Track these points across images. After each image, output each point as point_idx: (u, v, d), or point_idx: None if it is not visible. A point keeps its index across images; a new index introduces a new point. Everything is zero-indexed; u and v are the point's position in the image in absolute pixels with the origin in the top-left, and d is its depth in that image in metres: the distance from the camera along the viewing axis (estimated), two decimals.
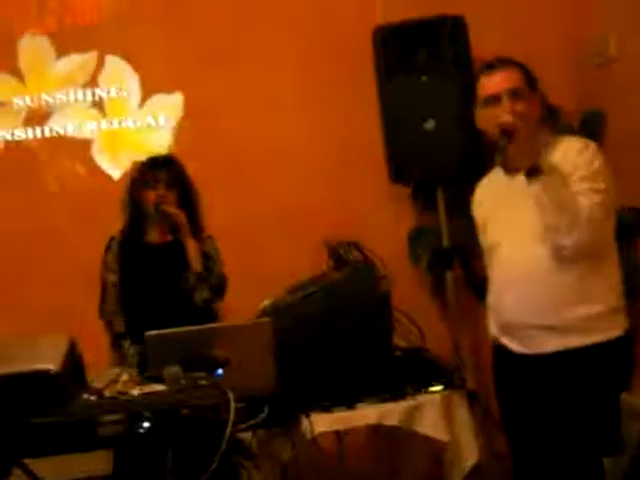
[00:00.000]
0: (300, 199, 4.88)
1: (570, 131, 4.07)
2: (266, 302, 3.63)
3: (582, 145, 3.19)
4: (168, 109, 4.96)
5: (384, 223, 4.83)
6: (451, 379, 3.80)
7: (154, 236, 4.22)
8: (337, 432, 3.88)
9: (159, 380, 2.86)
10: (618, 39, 4.47)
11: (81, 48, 4.93)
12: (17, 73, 4.93)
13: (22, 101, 4.93)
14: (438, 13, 4.60)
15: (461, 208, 3.74)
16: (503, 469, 4.19)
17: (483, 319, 3.53)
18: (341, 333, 3.60)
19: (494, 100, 3.19)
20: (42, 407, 2.65)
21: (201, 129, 4.91)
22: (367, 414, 3.61)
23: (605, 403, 2.99)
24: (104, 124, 4.97)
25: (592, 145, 3.19)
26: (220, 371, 2.89)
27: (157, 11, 4.94)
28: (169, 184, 4.13)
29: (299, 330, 3.53)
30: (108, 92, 4.96)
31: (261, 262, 4.76)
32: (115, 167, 4.93)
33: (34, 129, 4.94)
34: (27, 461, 2.95)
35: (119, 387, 2.89)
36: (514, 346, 3.26)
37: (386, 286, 3.89)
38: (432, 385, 3.72)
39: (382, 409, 3.61)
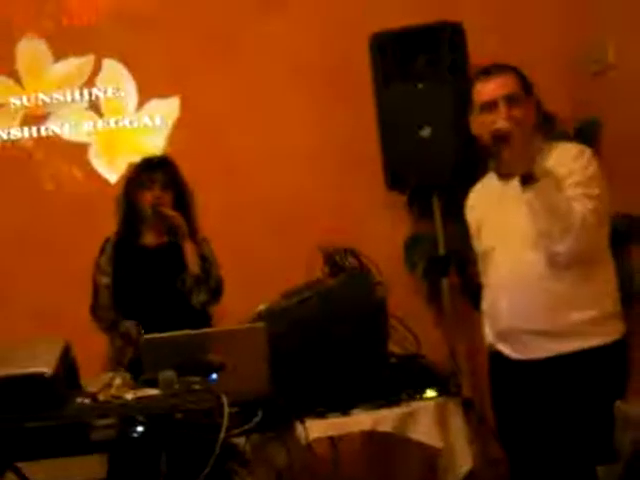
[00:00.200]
0: (296, 204, 4.88)
1: (566, 138, 4.08)
2: (261, 307, 3.63)
3: (577, 151, 3.20)
4: (165, 112, 4.96)
5: (380, 230, 4.83)
6: (446, 386, 3.80)
7: (149, 238, 4.21)
8: (331, 438, 3.88)
9: (153, 384, 2.85)
10: (616, 46, 4.47)
11: (78, 51, 4.93)
12: (15, 76, 4.94)
13: (19, 101, 4.92)
14: (436, 20, 4.60)
15: (457, 215, 3.74)
16: (498, 476, 4.19)
17: (479, 326, 3.53)
18: (336, 339, 3.60)
19: (490, 106, 3.19)
20: (36, 410, 2.63)
21: (197, 132, 4.92)
22: (361, 420, 3.62)
23: (599, 410, 2.99)
24: (100, 124, 4.96)
25: (587, 151, 3.20)
26: (214, 376, 2.88)
27: (155, 15, 4.94)
28: (165, 185, 4.13)
29: (294, 335, 3.53)
30: (105, 92, 4.96)
31: (256, 266, 4.76)
32: (112, 171, 4.93)
33: (30, 129, 4.93)
34: (20, 465, 2.95)
35: (113, 391, 2.88)
36: (509, 352, 3.26)
37: (382, 293, 3.89)
38: (427, 392, 3.72)
39: (376, 415, 3.61)
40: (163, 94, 4.96)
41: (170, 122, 4.96)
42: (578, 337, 3.11)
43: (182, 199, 4.18)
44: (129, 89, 4.96)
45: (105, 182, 4.94)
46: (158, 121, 4.97)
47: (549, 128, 4.35)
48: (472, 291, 4.47)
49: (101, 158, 4.97)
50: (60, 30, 4.94)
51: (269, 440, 3.47)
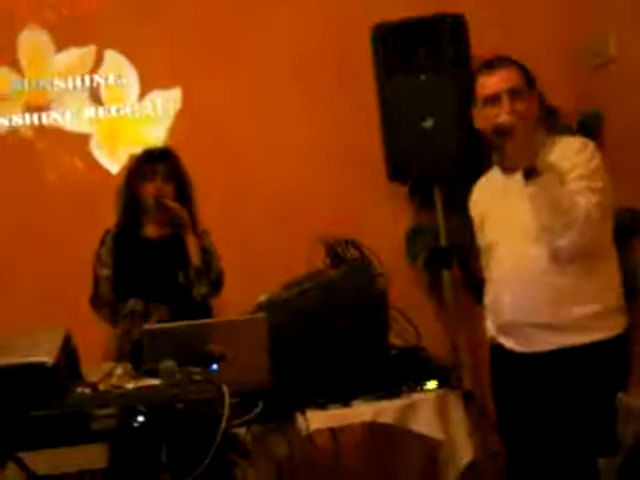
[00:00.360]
0: (297, 195, 4.87)
1: (569, 131, 4.08)
2: (262, 297, 3.63)
3: (580, 144, 3.20)
4: (167, 103, 4.96)
5: (381, 221, 4.82)
6: (447, 378, 3.81)
7: (151, 230, 4.20)
8: (332, 429, 3.88)
9: (154, 374, 2.86)
10: (617, 39, 4.46)
11: (80, 42, 4.92)
12: (16, 66, 4.92)
13: (20, 87, 4.92)
14: (437, 11, 4.59)
15: (458, 207, 3.74)
16: (498, 468, 4.19)
17: (480, 319, 3.53)
18: (337, 330, 3.60)
19: (493, 100, 3.18)
20: (37, 400, 2.64)
21: (198, 124, 4.90)
22: (362, 412, 3.62)
23: (601, 403, 2.99)
24: (102, 112, 4.96)
25: (591, 144, 3.20)
26: (215, 366, 2.88)
27: (156, 5, 4.92)
28: (167, 177, 4.12)
29: (295, 326, 3.53)
30: (106, 79, 4.95)
31: (257, 258, 4.76)
32: (113, 162, 4.92)
33: (32, 116, 4.92)
34: (22, 454, 2.95)
35: (114, 381, 2.89)
36: (511, 345, 3.26)
37: (383, 284, 3.89)
38: (427, 384, 3.72)
39: (377, 407, 3.61)
40: (165, 85, 4.95)
41: (172, 111, 4.95)
42: (581, 331, 3.12)
43: (183, 191, 4.18)
44: (131, 80, 4.95)
45: (106, 173, 4.93)
46: (160, 109, 4.95)
47: (552, 122, 4.35)
48: (473, 284, 4.47)
49: (102, 149, 4.96)
50: (62, 21, 4.92)
51: (270, 431, 3.48)
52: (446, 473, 3.73)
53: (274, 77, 4.95)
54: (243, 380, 2.81)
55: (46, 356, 2.65)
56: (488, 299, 3.36)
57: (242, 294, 3.79)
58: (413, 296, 4.74)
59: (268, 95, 4.94)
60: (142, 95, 4.96)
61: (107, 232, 4.23)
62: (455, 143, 4.46)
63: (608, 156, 3.35)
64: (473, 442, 3.75)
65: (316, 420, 3.45)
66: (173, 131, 4.94)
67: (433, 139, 4.51)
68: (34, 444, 2.72)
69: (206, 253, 4.13)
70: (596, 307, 3.13)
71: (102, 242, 4.21)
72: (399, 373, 3.71)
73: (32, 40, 4.93)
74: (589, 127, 4.51)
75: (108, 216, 4.24)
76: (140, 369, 2.97)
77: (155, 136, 4.91)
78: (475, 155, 4.27)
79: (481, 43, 4.50)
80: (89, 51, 4.93)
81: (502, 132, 3.08)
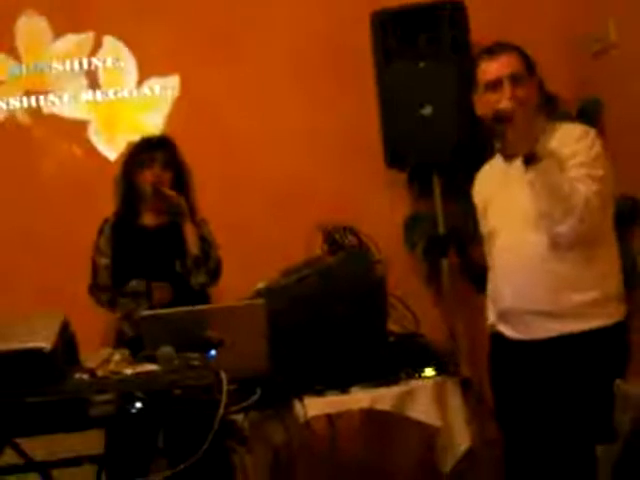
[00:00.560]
0: (295, 182, 4.86)
1: (569, 118, 4.06)
2: (260, 284, 3.62)
3: (581, 131, 3.19)
4: (165, 90, 4.94)
5: (380, 208, 4.82)
6: (445, 365, 3.81)
7: (149, 219, 4.20)
8: (330, 416, 3.89)
9: (152, 360, 2.86)
10: (617, 25, 4.44)
11: (78, 28, 4.91)
12: (14, 53, 4.91)
13: (18, 72, 4.90)
14: None
15: (457, 194, 3.74)
16: (496, 456, 4.20)
17: (478, 306, 3.53)
18: (335, 317, 3.60)
19: (495, 85, 3.18)
20: (34, 386, 2.64)
21: (197, 111, 4.89)
22: (360, 398, 3.62)
23: (599, 390, 2.99)
24: (100, 95, 4.94)
25: (592, 132, 3.19)
26: (213, 352, 2.88)
27: None
28: (165, 164, 4.12)
29: (293, 313, 3.53)
30: (104, 62, 4.93)
31: (255, 246, 4.75)
32: (111, 148, 4.91)
33: (29, 99, 4.90)
34: (19, 440, 2.95)
35: (112, 367, 2.89)
36: (510, 332, 3.26)
37: (381, 271, 3.89)
38: (425, 371, 3.72)
39: (375, 394, 3.61)
40: (163, 72, 4.93)
41: (170, 99, 4.93)
42: (580, 318, 3.12)
43: (181, 179, 4.18)
44: (129, 66, 4.93)
45: (104, 160, 4.92)
46: (158, 96, 4.94)
47: (552, 108, 4.34)
48: (472, 271, 4.47)
49: (100, 135, 4.94)
50: (60, 7, 4.91)
51: (267, 418, 3.49)
52: (444, 460, 3.73)
53: (272, 64, 4.94)
54: (241, 366, 2.81)
55: (44, 342, 2.65)
56: (490, 287, 3.36)
57: (240, 281, 3.79)
58: (411, 283, 4.74)
59: (266, 82, 4.93)
60: (140, 82, 4.94)
61: (105, 221, 4.23)
62: (454, 130, 4.45)
63: (608, 143, 3.34)
64: (471, 429, 3.76)
65: (314, 407, 3.45)
66: (171, 118, 4.93)
67: (432, 126, 4.50)
68: (31, 430, 2.72)
69: (204, 242, 4.13)
70: (595, 294, 3.13)
71: (100, 231, 4.22)
72: (397, 360, 3.71)
73: (30, 26, 4.92)
74: (589, 114, 4.50)
75: (106, 204, 4.24)
76: (138, 355, 2.97)
77: (153, 123, 4.90)
78: (474, 142, 4.27)
79: (481, 30, 4.48)
80: (87, 37, 4.91)
81: (502, 118, 3.07)
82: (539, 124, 3.19)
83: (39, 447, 2.95)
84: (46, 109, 4.91)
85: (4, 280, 4.72)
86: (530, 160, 3.02)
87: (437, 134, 4.49)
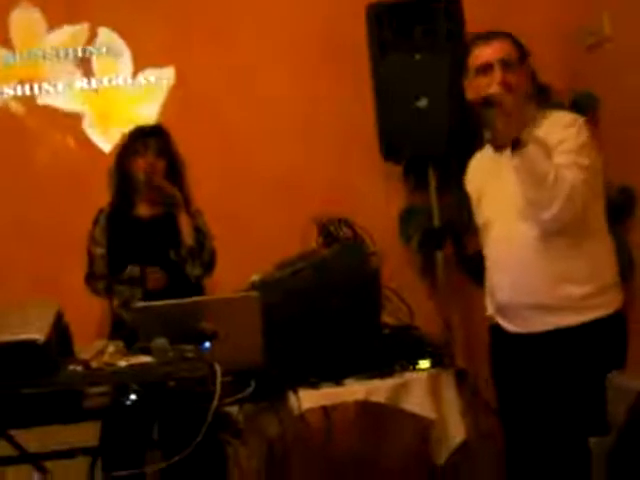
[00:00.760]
0: (291, 175, 4.86)
1: (560, 108, 4.05)
2: (255, 277, 3.62)
3: (570, 119, 3.19)
4: (160, 82, 4.93)
5: (375, 201, 4.82)
6: (439, 357, 3.80)
7: (143, 209, 4.20)
8: (324, 408, 3.88)
9: (146, 352, 2.85)
10: (611, 19, 4.45)
11: (73, 19, 4.89)
12: (9, 44, 4.89)
13: (12, 59, 4.88)
14: None
15: (453, 187, 3.74)
16: (491, 448, 4.21)
17: (473, 298, 3.54)
18: (330, 309, 3.59)
19: (485, 69, 3.18)
20: (28, 377, 2.63)
21: (192, 103, 4.88)
22: (354, 391, 3.61)
23: (596, 382, 2.99)
24: (94, 83, 4.92)
25: (580, 120, 3.18)
26: (207, 344, 2.88)
27: None
28: (158, 152, 4.12)
29: (288, 306, 3.52)
30: (99, 49, 4.91)
31: (250, 237, 4.75)
32: (106, 140, 4.90)
33: (23, 87, 4.89)
34: (13, 432, 2.94)
35: (106, 358, 2.88)
36: (509, 326, 3.26)
37: (376, 263, 3.88)
38: (420, 363, 3.72)
39: (369, 386, 3.60)
40: (158, 64, 4.92)
41: (165, 90, 4.92)
42: (578, 311, 3.12)
43: (175, 168, 4.18)
44: (124, 58, 4.92)
45: (99, 152, 4.91)
46: (153, 82, 4.92)
47: (544, 99, 4.33)
48: (468, 263, 4.48)
49: (95, 128, 4.93)
50: None
51: (262, 410, 3.48)
52: (438, 452, 3.73)
53: (268, 56, 4.93)
54: (236, 358, 2.80)
55: (37, 333, 2.64)
56: (487, 278, 3.36)
57: (235, 274, 3.78)
58: (406, 276, 4.74)
59: (262, 74, 4.92)
60: (135, 73, 4.93)
61: (100, 211, 4.23)
62: (449, 123, 4.44)
63: (602, 136, 3.34)
64: (465, 422, 3.75)
65: (308, 399, 3.44)
66: (166, 110, 4.91)
67: (427, 119, 4.50)
68: (25, 422, 2.72)
69: (199, 233, 4.13)
70: (591, 286, 3.13)
71: (95, 221, 4.22)
72: (392, 352, 3.70)
73: (25, 18, 4.90)
74: (582, 107, 4.49)
75: (101, 195, 4.24)
76: (132, 347, 2.97)
77: (148, 115, 4.88)
78: (470, 135, 4.26)
79: (476, 22, 4.47)
80: (82, 29, 4.90)
81: (491, 103, 3.06)
82: (528, 112, 3.19)
83: (33, 439, 2.95)
84: (40, 99, 4.90)
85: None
86: (516, 146, 3.02)
87: (432, 127, 4.48)
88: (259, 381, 2.85)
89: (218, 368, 2.66)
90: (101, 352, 2.93)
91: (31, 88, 4.89)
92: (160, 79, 4.92)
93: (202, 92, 4.89)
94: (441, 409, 3.68)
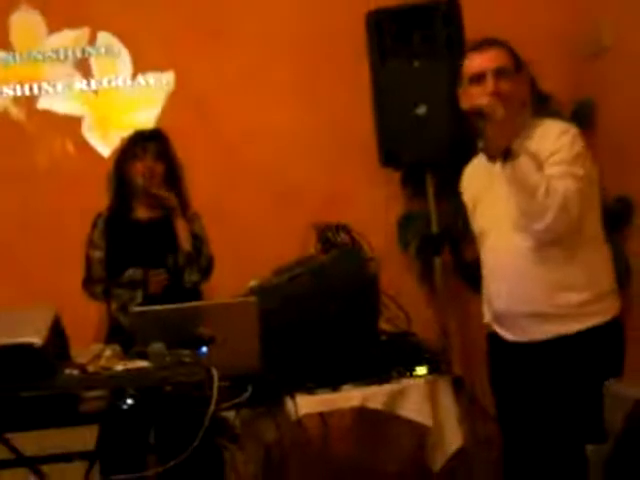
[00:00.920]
0: (289, 180, 4.86)
1: (559, 117, 4.05)
2: (253, 282, 3.62)
3: (562, 128, 3.17)
4: (159, 86, 4.93)
5: (374, 207, 4.82)
6: (436, 364, 3.80)
7: (142, 213, 4.21)
8: (321, 414, 3.88)
9: (143, 356, 2.85)
10: (612, 28, 4.45)
11: (73, 23, 4.89)
12: (9, 48, 4.90)
13: (12, 60, 4.89)
14: None
15: (451, 193, 3.73)
16: (488, 455, 4.21)
17: (470, 305, 3.54)
18: (327, 315, 3.60)
19: (478, 78, 3.17)
20: (25, 381, 2.63)
21: (191, 107, 4.88)
22: (351, 397, 3.61)
23: (593, 390, 2.99)
24: (94, 84, 4.93)
25: (573, 129, 3.16)
26: (205, 349, 2.88)
27: None
28: (157, 156, 4.13)
29: (285, 311, 3.52)
30: (98, 50, 4.91)
31: (248, 242, 4.74)
32: (105, 144, 4.90)
33: (22, 87, 4.89)
34: (9, 436, 2.94)
35: (102, 362, 2.88)
36: (506, 334, 3.25)
37: (374, 269, 3.88)
38: (417, 369, 3.72)
39: (366, 392, 3.61)
40: (158, 68, 4.92)
41: (164, 95, 4.92)
42: (575, 318, 3.11)
43: (173, 172, 4.18)
44: (124, 62, 4.92)
45: (98, 156, 4.91)
46: (152, 86, 4.92)
47: (543, 107, 4.34)
48: (466, 270, 4.48)
49: (94, 131, 4.94)
50: (54, 2, 4.90)
51: (259, 415, 3.48)
52: (434, 459, 3.73)
53: (268, 62, 4.93)
54: (233, 363, 2.81)
55: (35, 336, 2.64)
56: (484, 286, 3.36)
57: (233, 279, 3.78)
58: (404, 282, 4.74)
59: (261, 80, 4.93)
60: (134, 77, 4.93)
61: (99, 215, 4.24)
62: (448, 130, 4.44)
63: (601, 145, 3.34)
64: (462, 428, 3.75)
65: (305, 405, 3.44)
66: (165, 114, 4.92)
67: (426, 125, 4.50)
68: (22, 425, 2.71)
69: (196, 238, 4.13)
70: (588, 294, 3.12)
71: (94, 225, 4.22)
72: (389, 358, 3.70)
73: (25, 21, 4.90)
74: (582, 116, 4.50)
75: (100, 199, 4.24)
76: (129, 351, 2.96)
77: (147, 119, 4.89)
78: (468, 142, 4.26)
79: (475, 29, 4.47)
80: (82, 33, 4.91)
81: (482, 114, 3.06)
82: (522, 120, 3.18)
83: (29, 443, 2.94)
84: (39, 103, 4.89)
85: None
86: (507, 157, 3.01)
87: (431, 133, 4.49)
88: (256, 386, 2.85)
89: (215, 373, 2.66)
90: (98, 356, 2.93)
91: (30, 88, 4.88)
92: (159, 83, 4.93)
93: (201, 97, 4.89)
94: (438, 416, 3.68)
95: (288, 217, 4.73)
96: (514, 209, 3.08)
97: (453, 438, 3.69)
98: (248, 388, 2.82)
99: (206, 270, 4.14)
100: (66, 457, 2.99)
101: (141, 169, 4.11)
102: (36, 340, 2.63)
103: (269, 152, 4.88)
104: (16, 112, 4.92)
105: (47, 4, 4.90)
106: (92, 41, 4.90)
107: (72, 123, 4.93)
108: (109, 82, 4.93)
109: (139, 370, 2.81)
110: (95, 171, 4.56)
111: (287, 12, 4.93)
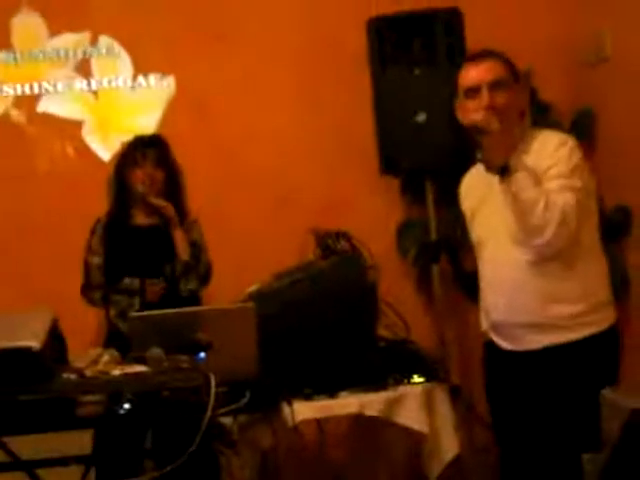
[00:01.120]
0: (289, 186, 4.86)
1: (558, 127, 4.06)
2: (252, 288, 3.62)
3: (561, 140, 3.15)
4: (160, 91, 4.93)
5: (373, 214, 4.82)
6: (434, 372, 3.80)
7: (141, 218, 4.21)
8: (318, 420, 3.88)
9: (141, 361, 2.85)
10: (613, 38, 4.46)
11: (74, 27, 4.89)
12: (10, 51, 4.90)
13: (13, 59, 4.89)
14: (433, 5, 4.58)
15: (450, 201, 3.74)
16: (484, 463, 4.20)
17: (468, 313, 3.54)
18: (326, 321, 3.60)
19: (474, 92, 3.16)
20: (22, 385, 2.63)
21: (192, 112, 4.88)
22: (348, 403, 3.61)
23: (589, 399, 2.98)
24: (94, 84, 4.92)
25: (570, 141, 3.15)
26: (202, 354, 2.88)
27: None
28: (157, 163, 4.13)
29: (284, 317, 3.53)
30: (99, 51, 4.91)
31: (248, 248, 4.74)
32: (105, 148, 4.90)
33: (23, 87, 4.89)
34: (6, 439, 2.94)
35: (100, 367, 2.88)
36: (502, 343, 3.25)
37: (373, 276, 3.89)
38: (414, 377, 3.72)
39: (363, 399, 3.61)
40: (159, 72, 4.93)
41: (165, 99, 4.92)
42: (571, 329, 3.11)
43: (173, 178, 4.19)
44: (125, 66, 4.92)
45: (98, 160, 4.91)
46: (152, 91, 4.93)
47: (544, 117, 4.34)
48: (464, 280, 4.48)
49: (95, 135, 4.94)
50: (56, 5, 4.89)
51: (256, 421, 3.49)
52: (430, 466, 3.73)
53: (268, 69, 4.93)
54: (230, 369, 2.81)
55: (33, 340, 2.64)
56: (481, 296, 3.36)
57: (232, 284, 3.79)
58: (403, 289, 4.74)
59: (262, 86, 4.93)
60: (135, 81, 4.93)
61: (98, 221, 4.24)
62: (448, 138, 4.43)
63: (601, 154, 3.34)
64: (459, 436, 3.75)
65: (302, 411, 3.45)
66: (166, 119, 4.92)
67: (426, 133, 4.51)
68: (19, 429, 2.72)
69: (195, 246, 4.13)
70: (584, 305, 3.12)
71: (93, 231, 4.22)
72: (386, 365, 3.71)
73: (26, 24, 4.90)
74: (582, 126, 4.51)
75: (99, 204, 4.24)
76: (127, 356, 2.97)
77: (147, 123, 4.89)
78: (467, 150, 4.26)
79: (476, 37, 4.48)
80: (83, 37, 4.91)
81: (477, 129, 3.06)
82: (519, 131, 3.17)
83: (26, 446, 2.94)
84: (40, 106, 4.88)
85: None
86: (504, 172, 3.00)
87: (431, 141, 4.49)
88: (253, 392, 2.86)
89: (212, 378, 2.66)
90: (95, 361, 2.93)
91: (31, 87, 4.88)
92: (160, 87, 4.93)
93: (202, 101, 4.89)
94: (435, 423, 3.68)
95: (288, 223, 4.73)
96: (511, 222, 3.07)
97: (450, 446, 3.69)
98: (245, 394, 2.82)
99: (204, 277, 4.15)
100: (62, 461, 2.98)
101: (141, 176, 4.11)
102: (34, 344, 2.63)
103: (269, 157, 4.88)
104: (16, 115, 4.92)
105: (48, 7, 4.89)
106: (93, 44, 4.90)
107: (72, 126, 4.92)
108: (109, 82, 4.92)
109: (136, 375, 2.81)
110: (95, 175, 4.56)
111: (288, 18, 4.93)
